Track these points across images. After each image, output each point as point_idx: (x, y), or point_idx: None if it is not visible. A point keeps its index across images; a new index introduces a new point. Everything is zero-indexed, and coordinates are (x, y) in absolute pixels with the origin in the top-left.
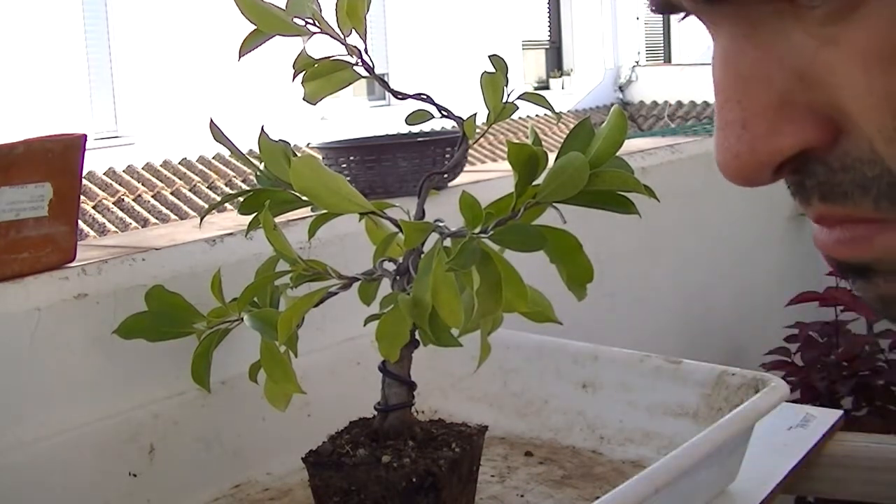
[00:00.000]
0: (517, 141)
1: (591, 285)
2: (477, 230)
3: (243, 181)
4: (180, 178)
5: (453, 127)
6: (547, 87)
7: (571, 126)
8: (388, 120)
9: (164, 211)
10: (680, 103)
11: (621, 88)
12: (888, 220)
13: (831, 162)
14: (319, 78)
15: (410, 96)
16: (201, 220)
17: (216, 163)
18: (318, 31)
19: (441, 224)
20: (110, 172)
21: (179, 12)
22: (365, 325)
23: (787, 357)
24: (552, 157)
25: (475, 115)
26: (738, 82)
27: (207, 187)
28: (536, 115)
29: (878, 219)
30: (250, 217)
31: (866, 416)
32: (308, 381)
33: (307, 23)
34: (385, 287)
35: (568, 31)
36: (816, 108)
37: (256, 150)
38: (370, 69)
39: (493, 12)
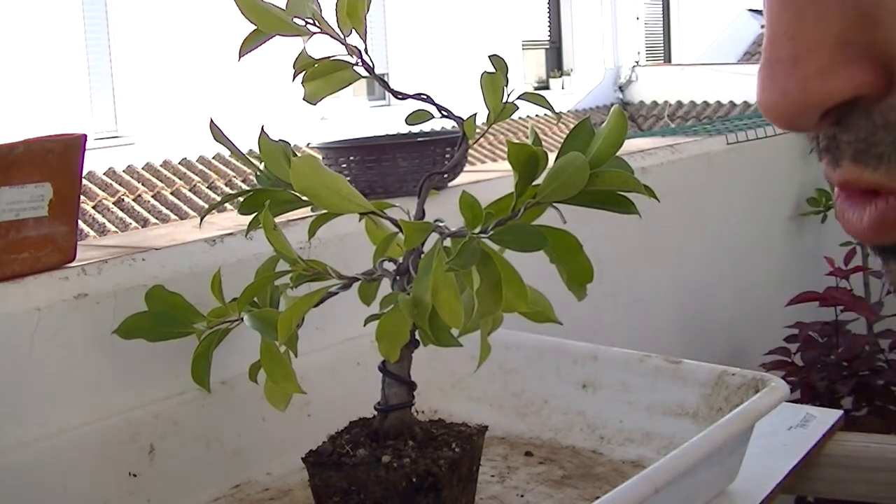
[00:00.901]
0: (517, 141)
1: (591, 285)
2: (477, 230)
3: (243, 181)
4: (180, 178)
5: (453, 127)
6: (547, 87)
7: (571, 126)
8: (388, 120)
9: (164, 211)
10: (680, 103)
11: (621, 88)
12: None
13: (875, 116)
14: (319, 78)
15: (410, 96)
16: (201, 220)
17: (216, 163)
18: (318, 31)
19: (441, 224)
20: (110, 172)
21: (179, 12)
22: (365, 325)
23: (787, 357)
24: (552, 157)
25: (475, 115)
26: (795, 16)
27: (207, 187)
28: (536, 115)
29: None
30: (250, 217)
31: (866, 416)
32: (308, 381)
33: (307, 23)
34: (385, 287)
35: (568, 31)
36: (875, 53)
37: (256, 150)
38: (370, 69)
39: (493, 12)
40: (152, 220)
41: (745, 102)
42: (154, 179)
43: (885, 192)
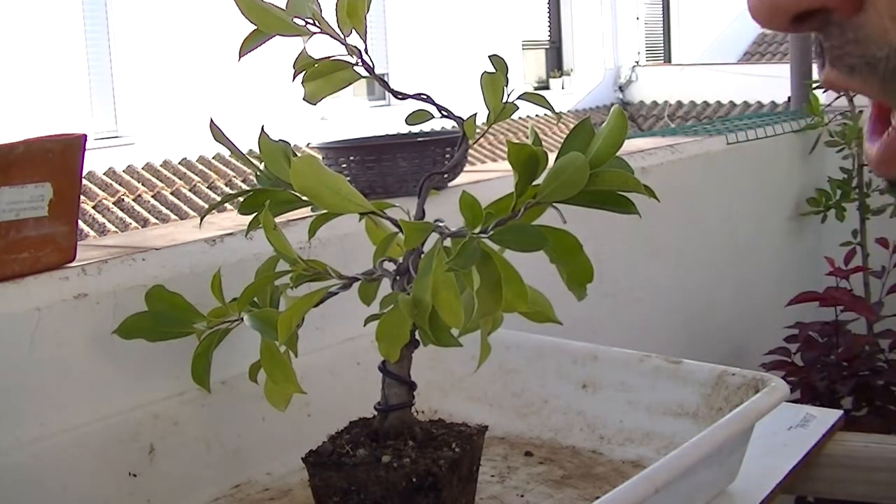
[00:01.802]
0: (517, 141)
1: (591, 285)
2: (477, 230)
3: (243, 181)
4: (180, 178)
5: (453, 127)
6: (547, 87)
7: (571, 126)
8: (388, 120)
9: (164, 211)
10: (680, 103)
11: (621, 88)
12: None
13: (847, 30)
14: (319, 78)
15: (410, 96)
16: (201, 220)
17: (216, 163)
18: (318, 31)
19: (441, 224)
20: (110, 172)
21: (179, 13)
22: (365, 325)
23: (787, 357)
24: (552, 157)
25: (475, 115)
26: None
27: (207, 187)
28: (536, 115)
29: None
30: (250, 217)
31: (866, 416)
32: (308, 381)
33: (307, 23)
34: (385, 287)
35: (568, 31)
36: None
37: (256, 150)
38: (370, 69)
39: (493, 12)
40: (152, 220)
41: (745, 102)
42: (154, 179)
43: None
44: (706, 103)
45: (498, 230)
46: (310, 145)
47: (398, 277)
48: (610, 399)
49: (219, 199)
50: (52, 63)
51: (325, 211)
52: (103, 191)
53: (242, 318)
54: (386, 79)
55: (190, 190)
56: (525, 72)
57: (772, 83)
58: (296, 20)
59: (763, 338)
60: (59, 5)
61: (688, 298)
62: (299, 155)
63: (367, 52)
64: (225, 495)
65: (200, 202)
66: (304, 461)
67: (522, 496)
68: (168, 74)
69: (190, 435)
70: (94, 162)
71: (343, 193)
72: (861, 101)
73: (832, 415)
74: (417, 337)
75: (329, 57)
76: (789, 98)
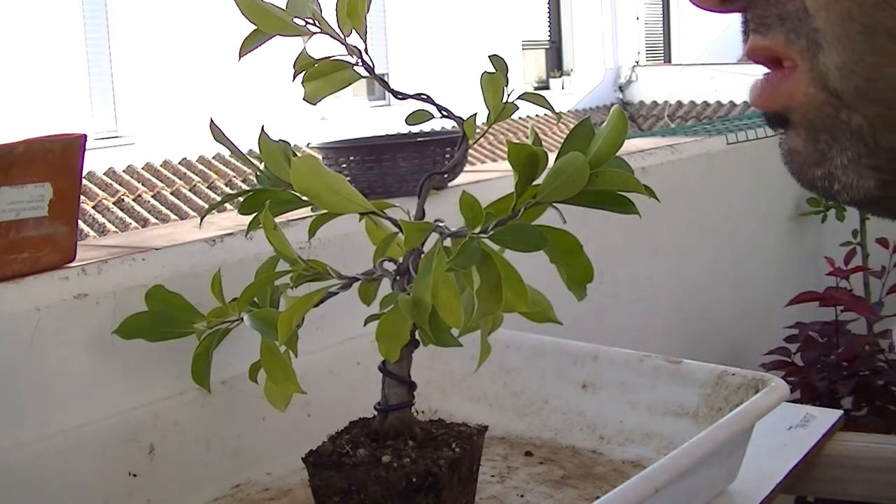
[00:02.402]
0: (517, 141)
1: (591, 285)
2: (477, 230)
3: (243, 181)
4: (180, 178)
5: (453, 127)
6: (547, 87)
7: (571, 126)
8: (388, 120)
9: (164, 211)
10: (680, 103)
11: (621, 88)
12: (794, 68)
13: (773, 5)
14: (319, 78)
15: (410, 96)
16: (201, 220)
17: (216, 163)
18: (318, 31)
19: (441, 224)
20: (110, 172)
21: (179, 13)
22: (365, 325)
23: (787, 357)
24: (552, 157)
25: (475, 115)
26: None
27: (207, 187)
28: (536, 115)
29: (789, 64)
30: (250, 217)
31: (866, 416)
32: (308, 381)
33: (307, 23)
34: (385, 287)
35: (568, 31)
36: None
37: (256, 150)
38: (370, 69)
39: (493, 12)
40: (152, 220)
41: (745, 102)
42: (154, 179)
43: (773, 57)
44: (706, 103)
45: (498, 230)
46: (310, 145)
47: (398, 277)
48: (610, 399)
49: (219, 199)
50: (52, 63)
51: (325, 211)
52: (103, 191)
53: (242, 318)
54: (386, 79)
55: (190, 190)
56: (525, 72)
57: None
58: (296, 20)
59: (763, 338)
60: (59, 5)
61: (687, 298)
62: (299, 155)
63: (367, 52)
64: (225, 495)
65: (200, 202)
66: (304, 461)
67: (522, 496)
68: (168, 74)
69: (190, 435)
70: (94, 162)
71: (343, 193)
72: None
73: (832, 415)
74: (417, 337)
75: (329, 57)
76: None
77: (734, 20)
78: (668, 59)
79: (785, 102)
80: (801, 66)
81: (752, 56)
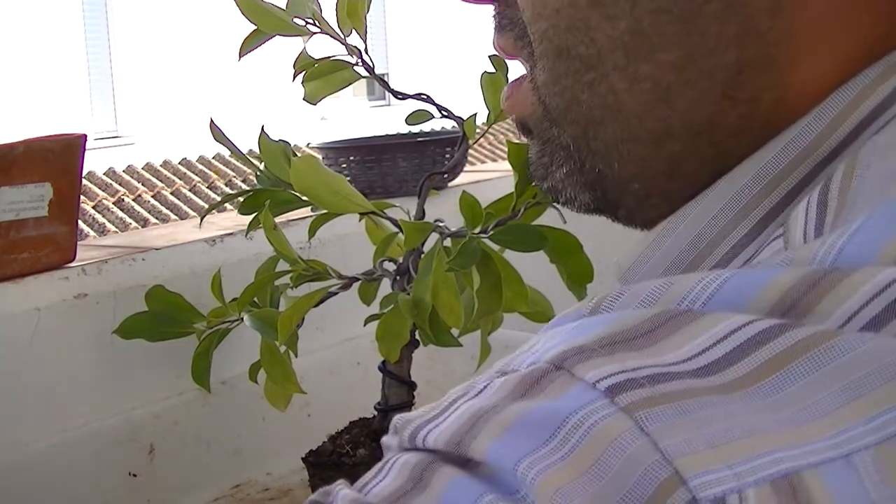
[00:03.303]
0: (517, 141)
1: (591, 285)
2: (477, 230)
3: (243, 181)
4: (180, 178)
5: (453, 127)
6: None
7: None
8: (388, 120)
9: (164, 211)
10: None
11: None
12: (524, 79)
13: (515, 6)
14: (319, 78)
15: (410, 96)
16: (201, 220)
17: (216, 163)
18: (318, 31)
19: (441, 224)
20: (110, 172)
21: (179, 12)
22: (365, 325)
23: None
24: None
25: (475, 115)
26: None
27: (207, 187)
28: None
29: (525, 73)
30: (250, 217)
31: None
32: (308, 381)
33: (307, 23)
34: (385, 287)
35: None
36: None
37: (256, 150)
38: (370, 69)
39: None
40: (152, 220)
41: None
42: (154, 179)
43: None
44: None
45: (498, 230)
46: (310, 145)
47: (398, 277)
48: None
49: (219, 199)
50: (52, 63)
51: (325, 211)
52: (103, 191)
53: (242, 318)
54: (386, 79)
55: (190, 190)
56: None
57: None
58: (296, 20)
59: None
60: (59, 5)
61: None
62: (299, 155)
63: (367, 52)
64: (225, 495)
65: (200, 202)
66: (304, 461)
67: None
68: (168, 74)
69: (190, 435)
70: (94, 162)
71: (343, 193)
72: None
73: None
74: (417, 337)
75: (329, 57)
76: None
77: None
78: None
79: (520, 110)
80: (529, 74)
81: (497, 49)
